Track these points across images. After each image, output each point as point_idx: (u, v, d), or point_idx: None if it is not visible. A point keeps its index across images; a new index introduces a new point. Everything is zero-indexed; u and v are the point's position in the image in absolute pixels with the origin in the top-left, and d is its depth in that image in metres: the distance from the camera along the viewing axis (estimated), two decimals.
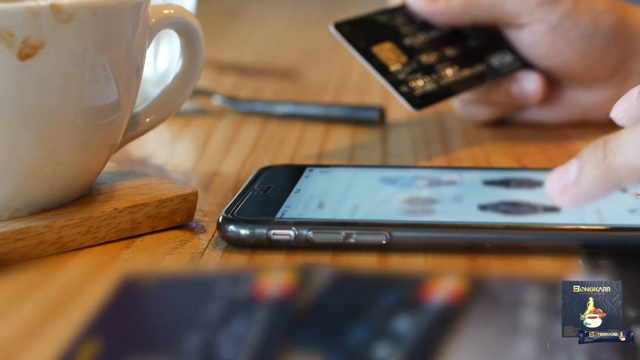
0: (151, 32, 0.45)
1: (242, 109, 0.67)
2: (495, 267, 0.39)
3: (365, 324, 0.32)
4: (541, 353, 0.31)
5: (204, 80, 0.81)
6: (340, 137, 0.61)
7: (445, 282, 0.35)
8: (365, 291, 0.35)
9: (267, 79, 0.82)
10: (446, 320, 0.33)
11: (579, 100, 0.62)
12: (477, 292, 0.35)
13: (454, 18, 0.60)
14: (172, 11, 0.46)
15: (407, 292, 0.35)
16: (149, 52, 0.78)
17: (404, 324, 0.32)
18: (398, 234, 0.40)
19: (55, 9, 0.38)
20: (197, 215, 0.45)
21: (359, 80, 0.80)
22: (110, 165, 0.47)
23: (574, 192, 0.37)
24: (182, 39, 0.47)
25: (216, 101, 0.68)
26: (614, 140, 0.37)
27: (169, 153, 0.60)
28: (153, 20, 0.45)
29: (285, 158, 0.56)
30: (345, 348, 0.31)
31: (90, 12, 0.39)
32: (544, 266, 0.39)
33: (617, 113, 0.40)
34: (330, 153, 0.57)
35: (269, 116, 0.66)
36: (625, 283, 0.33)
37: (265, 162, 0.54)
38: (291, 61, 0.92)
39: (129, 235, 0.43)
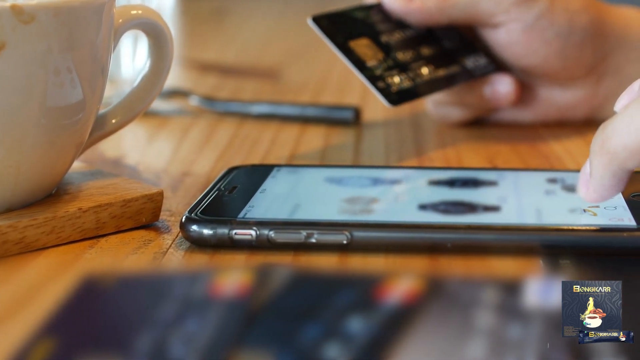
0: (118, 32, 0.45)
1: (219, 109, 0.67)
2: (456, 267, 0.39)
3: (317, 324, 0.32)
4: (493, 353, 0.31)
5: (186, 80, 0.81)
6: (315, 137, 0.61)
7: (401, 282, 0.35)
8: (321, 291, 0.35)
9: (248, 79, 0.83)
10: (400, 321, 0.33)
11: (554, 100, 0.62)
12: (433, 292, 0.35)
13: (430, 18, 0.60)
14: (139, 12, 0.46)
15: (363, 292, 0.35)
16: (128, 51, 0.79)
17: (356, 324, 0.32)
18: (359, 234, 0.40)
19: (16, 10, 0.38)
20: (164, 215, 0.45)
21: (339, 81, 0.80)
22: (79, 165, 0.48)
23: (592, 185, 0.39)
24: (149, 39, 0.47)
25: (193, 101, 0.68)
26: (610, 124, 0.38)
27: (142, 153, 0.60)
28: (120, 20, 0.45)
29: (257, 158, 0.56)
30: (296, 348, 0.31)
31: (51, 13, 0.39)
32: (505, 266, 0.39)
33: (620, 107, 0.40)
34: (302, 153, 0.58)
35: (245, 116, 0.66)
36: (625, 283, 0.33)
37: (237, 163, 0.54)
38: (273, 61, 0.92)
39: (94, 235, 0.43)
